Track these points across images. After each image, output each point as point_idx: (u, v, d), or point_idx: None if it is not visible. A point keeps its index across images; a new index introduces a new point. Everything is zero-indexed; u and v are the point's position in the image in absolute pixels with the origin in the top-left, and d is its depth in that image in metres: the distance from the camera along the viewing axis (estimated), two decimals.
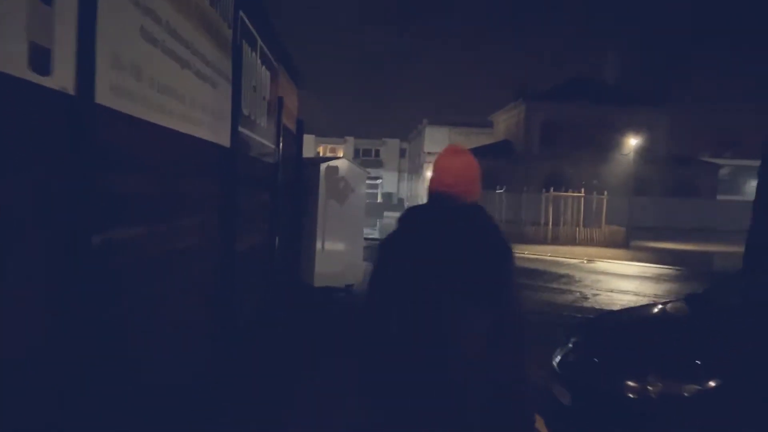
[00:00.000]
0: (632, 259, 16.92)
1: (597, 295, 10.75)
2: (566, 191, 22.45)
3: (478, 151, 31.00)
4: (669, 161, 34.96)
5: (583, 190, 20.98)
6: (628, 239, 20.60)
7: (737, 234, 31.47)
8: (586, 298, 10.34)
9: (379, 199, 47.30)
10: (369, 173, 9.82)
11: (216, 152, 3.75)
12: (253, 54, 4.78)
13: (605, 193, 21.63)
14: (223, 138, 3.87)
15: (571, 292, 10.96)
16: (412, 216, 2.06)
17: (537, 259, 16.29)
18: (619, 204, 23.34)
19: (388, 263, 1.99)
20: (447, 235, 1.90)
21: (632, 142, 24.17)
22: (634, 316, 4.79)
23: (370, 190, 52.20)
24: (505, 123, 43.16)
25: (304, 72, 8.81)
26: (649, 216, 29.08)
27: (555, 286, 11.60)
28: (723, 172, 40.84)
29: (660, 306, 4.79)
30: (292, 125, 7.78)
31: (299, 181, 8.42)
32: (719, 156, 48.25)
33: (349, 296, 8.79)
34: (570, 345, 4.19)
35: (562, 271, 13.86)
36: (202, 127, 3.35)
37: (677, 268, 15.36)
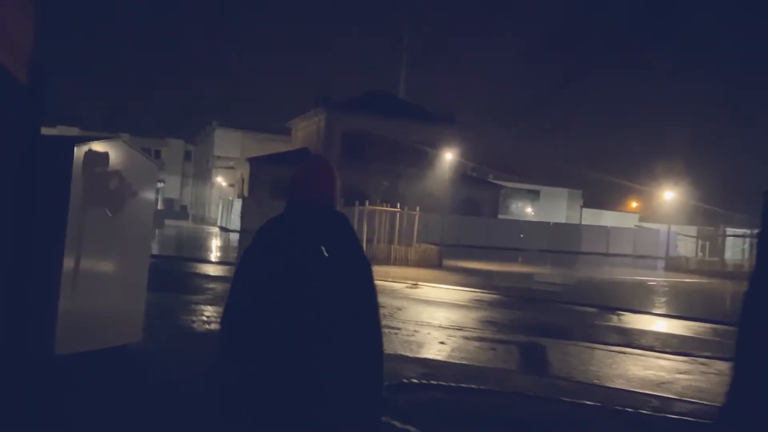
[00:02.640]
0: (452, 282, 15.65)
1: (451, 336, 8.73)
2: (375, 205, 20.79)
3: (274, 159, 28.32)
4: (461, 180, 36.06)
5: (399, 204, 19.47)
6: (441, 259, 19.61)
7: (519, 252, 33.81)
8: (442, 343, 8.23)
9: (160, 206, 41.45)
10: (161, 167, 6.39)
11: None
12: None
13: (417, 209, 20.45)
14: None
15: (417, 333, 8.78)
16: (274, 225, 2.00)
17: None
18: (428, 221, 22.45)
19: (253, 277, 1.93)
20: (313, 243, 1.89)
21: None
22: None
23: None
24: (304, 131, 41.03)
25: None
26: (451, 234, 29.14)
27: (398, 325, 9.31)
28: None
29: None
30: (14, 64, 4.21)
31: (31, 173, 4.81)
32: (485, 177, 52.13)
33: (123, 373, 5.24)
34: None
35: (394, 302, 11.73)
36: None
37: (502, 294, 14.36)
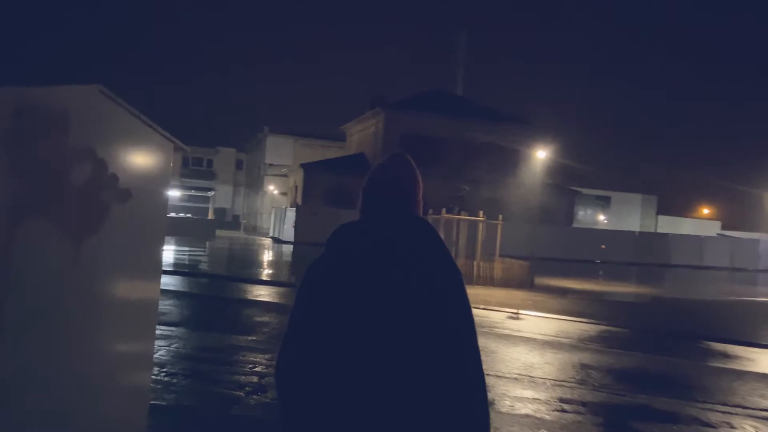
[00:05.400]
0: (557, 310, 12.55)
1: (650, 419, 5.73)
2: (445, 213, 17.79)
3: (328, 165, 25.62)
4: (534, 185, 32.65)
5: (482, 213, 16.49)
6: (532, 277, 16.50)
7: (600, 264, 30.09)
8: None
9: (211, 215, 39.73)
10: (187, 151, 3.71)
11: None
12: None
13: (500, 217, 17.42)
14: None
15: (562, 413, 5.85)
16: (347, 235, 1.61)
17: None
18: (510, 232, 19.39)
19: (321, 296, 1.53)
20: (394, 258, 1.54)
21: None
22: None
23: (200, 204, 44.31)
24: (359, 134, 38.58)
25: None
26: (527, 245, 25.82)
27: (531, 395, 6.40)
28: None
29: None
30: None
31: None
32: (556, 182, 48.15)
33: None
34: None
35: (512, 350, 8.80)
36: None
37: (630, 328, 11.22)
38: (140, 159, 3.12)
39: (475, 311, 9.49)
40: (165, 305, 9.97)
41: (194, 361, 6.53)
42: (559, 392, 6.33)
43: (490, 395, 6.13)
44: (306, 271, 1.58)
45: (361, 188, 1.73)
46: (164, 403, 4.90)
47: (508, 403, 5.77)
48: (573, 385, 6.70)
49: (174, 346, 7.20)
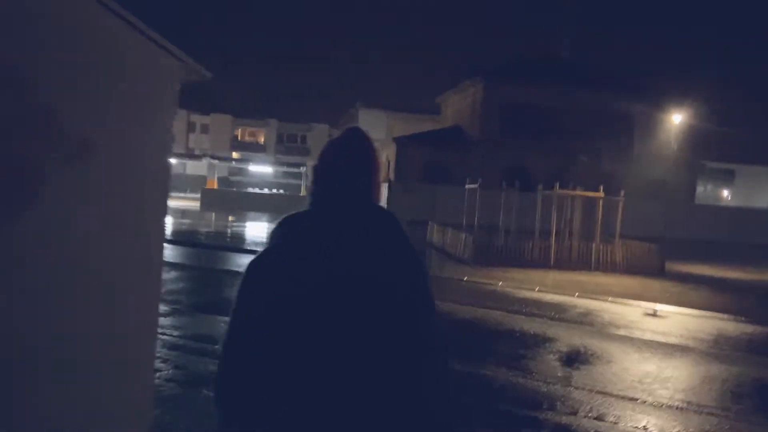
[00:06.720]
0: (703, 304, 10.31)
1: None
2: (549, 188, 15.50)
3: (422, 138, 23.40)
4: (647, 158, 29.37)
5: (601, 188, 14.26)
6: (663, 262, 14.14)
7: (730, 246, 26.50)
8: None
9: (303, 192, 39.44)
10: (208, 77, 2.23)
11: None
12: None
13: (622, 193, 15.05)
14: None
15: None
16: (293, 227, 1.41)
17: (559, 308, 9.37)
18: (629, 210, 16.93)
19: (264, 295, 1.33)
20: (346, 253, 1.35)
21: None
22: None
23: (293, 181, 44.37)
24: (455, 106, 36.54)
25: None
26: (641, 224, 22.98)
27: None
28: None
29: None
30: None
31: None
32: (671, 153, 43.47)
33: None
34: None
35: (666, 365, 6.92)
36: None
37: None
38: (117, 86, 1.71)
39: (601, 305, 7.43)
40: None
41: None
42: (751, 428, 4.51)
43: None
44: (247, 270, 1.37)
45: (312, 167, 1.52)
46: None
47: None
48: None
49: None
